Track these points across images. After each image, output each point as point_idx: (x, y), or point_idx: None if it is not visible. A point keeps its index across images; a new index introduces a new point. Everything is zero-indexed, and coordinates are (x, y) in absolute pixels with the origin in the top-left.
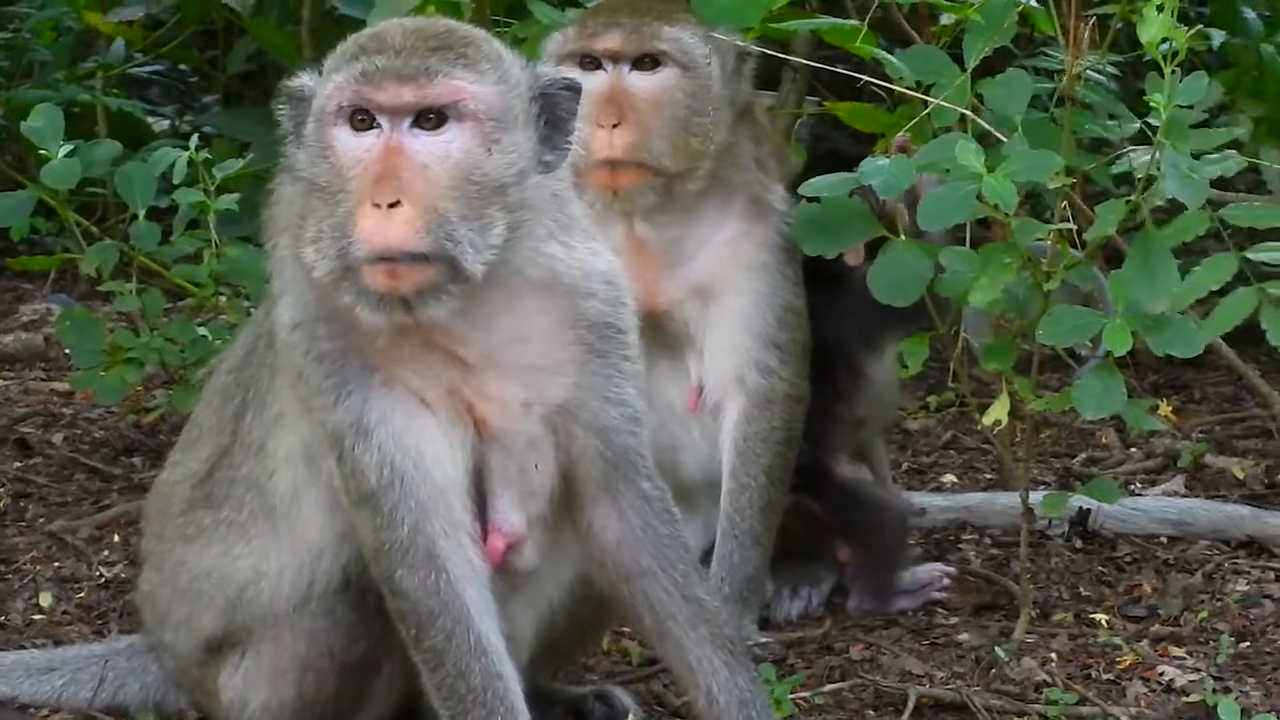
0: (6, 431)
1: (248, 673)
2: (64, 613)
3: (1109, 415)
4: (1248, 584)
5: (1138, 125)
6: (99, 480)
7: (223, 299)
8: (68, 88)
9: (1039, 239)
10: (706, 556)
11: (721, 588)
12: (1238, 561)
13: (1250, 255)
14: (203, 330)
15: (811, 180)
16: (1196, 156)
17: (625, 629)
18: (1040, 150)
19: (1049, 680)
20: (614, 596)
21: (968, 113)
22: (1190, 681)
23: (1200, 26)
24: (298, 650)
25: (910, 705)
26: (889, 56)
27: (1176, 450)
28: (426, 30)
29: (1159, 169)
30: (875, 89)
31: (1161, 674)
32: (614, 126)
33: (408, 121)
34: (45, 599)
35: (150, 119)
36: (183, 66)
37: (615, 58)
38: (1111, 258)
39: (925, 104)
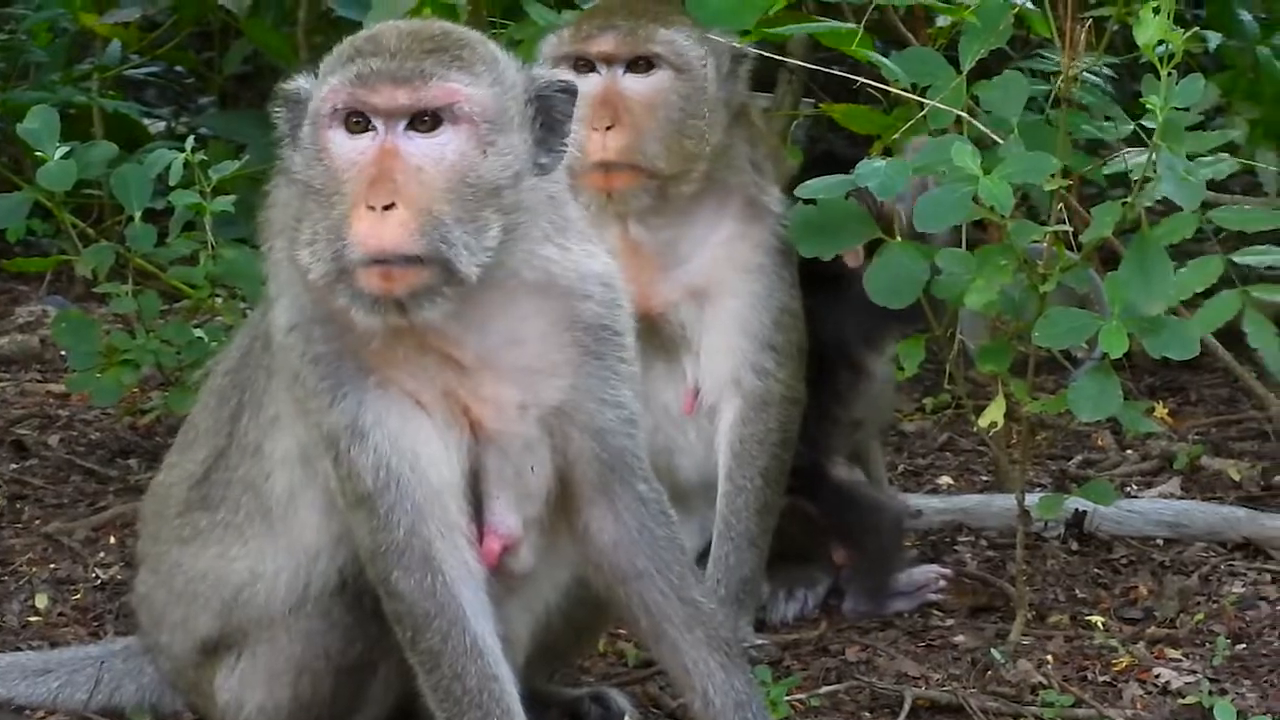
0: (2, 433)
1: (244, 674)
2: (60, 614)
3: (1105, 417)
4: (1244, 586)
5: (1133, 127)
6: (95, 482)
7: (219, 301)
8: (64, 89)
9: (1035, 241)
10: (702, 558)
11: (717, 589)
12: (1234, 563)
13: (1236, 259)
14: (199, 332)
15: (807, 182)
16: (1192, 159)
17: (621, 631)
18: (1036, 152)
19: (1045, 682)
20: (610, 598)
21: (964, 114)
22: (1186, 683)
23: (1196, 29)
24: (294, 652)
25: (906, 707)
26: (883, 60)
27: (1172, 452)
28: (422, 33)
29: (1154, 171)
30: (871, 91)
31: (1157, 676)
32: (608, 129)
33: (403, 124)
34: (41, 601)
35: (146, 121)
36: (179, 68)
37: (609, 60)
38: (1108, 260)
39: (921, 106)
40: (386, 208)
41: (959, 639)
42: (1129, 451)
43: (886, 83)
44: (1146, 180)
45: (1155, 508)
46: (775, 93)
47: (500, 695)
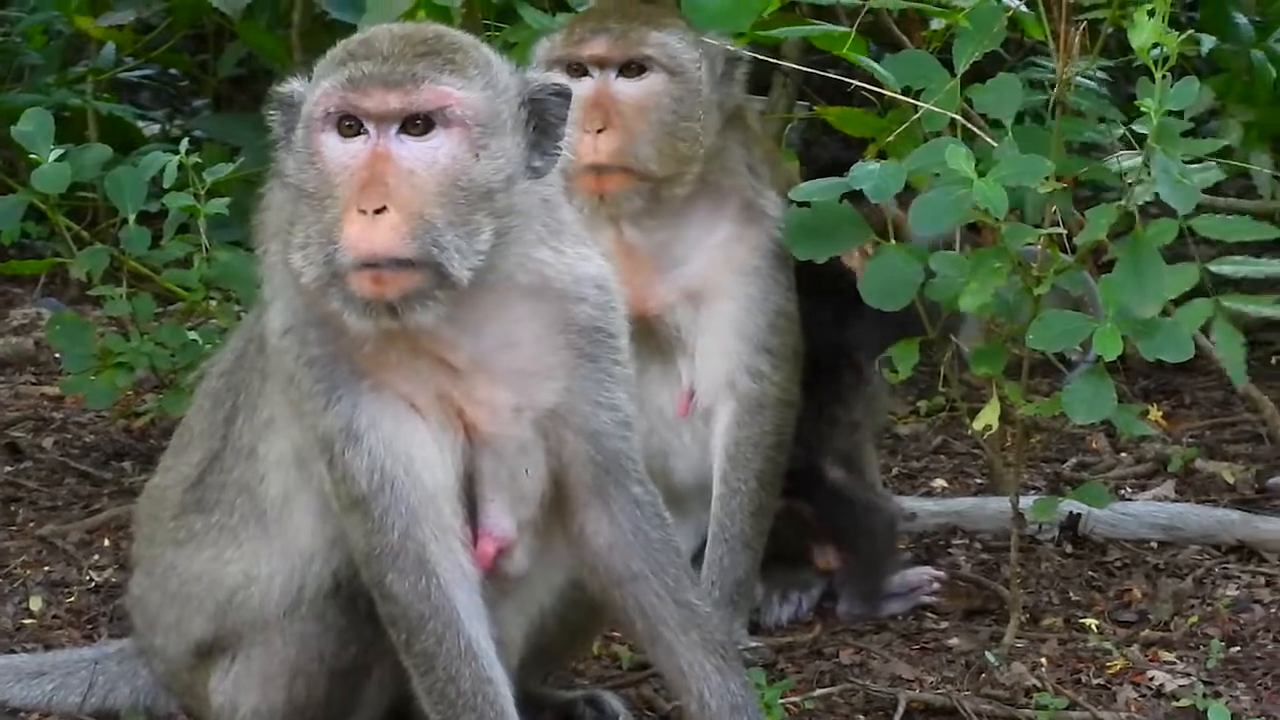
0: None
1: (238, 677)
2: (54, 617)
3: (1099, 420)
4: (1238, 589)
5: (1123, 131)
6: (89, 485)
7: (213, 303)
8: (58, 92)
9: (1029, 243)
10: (696, 560)
11: (712, 592)
12: (1228, 566)
13: (1213, 268)
14: (193, 335)
15: (802, 184)
16: (1187, 163)
17: (615, 633)
18: (1030, 155)
19: (1039, 685)
20: (605, 601)
21: (957, 117)
22: (1180, 686)
23: (1191, 31)
24: (288, 655)
25: (900, 710)
26: (875, 65)
27: (1167, 455)
28: (415, 36)
29: (1148, 173)
30: (866, 94)
31: (1152, 679)
32: (599, 132)
33: (395, 127)
34: (35, 603)
35: (141, 123)
36: (173, 71)
37: (601, 64)
38: (1105, 265)
39: (915, 109)
40: (378, 211)
41: (953, 641)
42: (1123, 454)
43: (881, 86)
44: (1139, 183)
45: (1149, 510)
46: (770, 96)
47: (494, 698)
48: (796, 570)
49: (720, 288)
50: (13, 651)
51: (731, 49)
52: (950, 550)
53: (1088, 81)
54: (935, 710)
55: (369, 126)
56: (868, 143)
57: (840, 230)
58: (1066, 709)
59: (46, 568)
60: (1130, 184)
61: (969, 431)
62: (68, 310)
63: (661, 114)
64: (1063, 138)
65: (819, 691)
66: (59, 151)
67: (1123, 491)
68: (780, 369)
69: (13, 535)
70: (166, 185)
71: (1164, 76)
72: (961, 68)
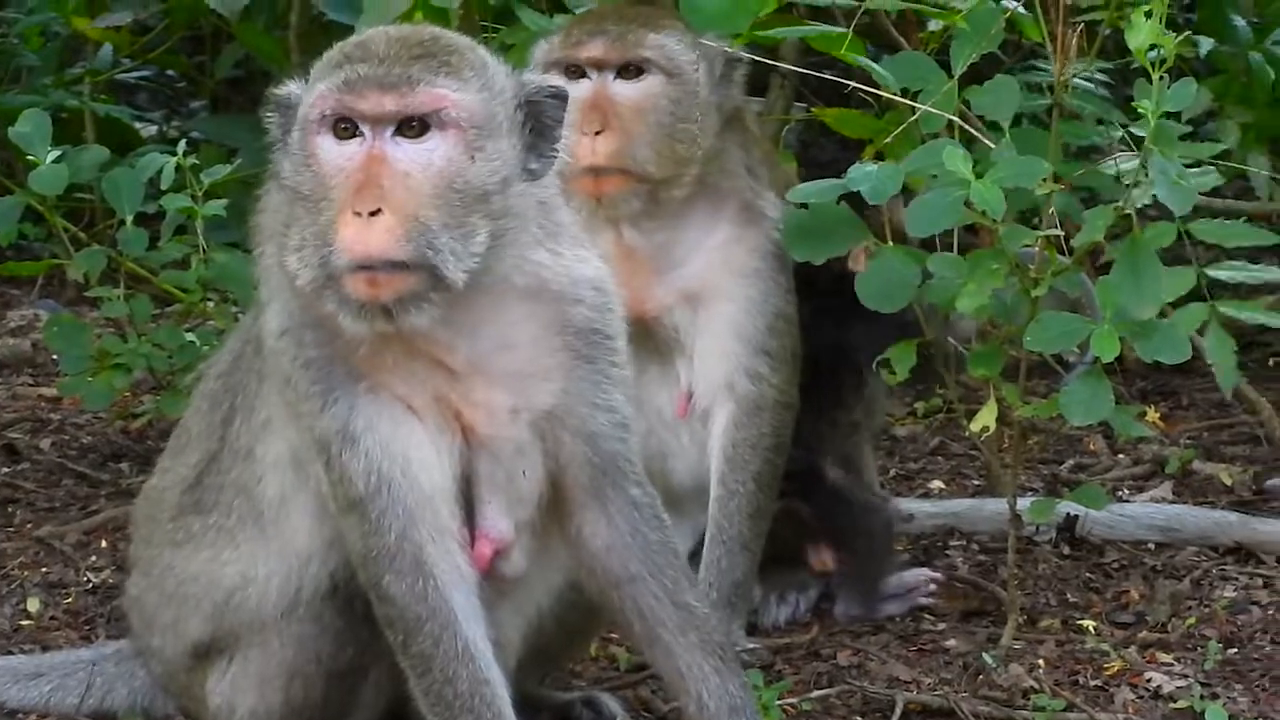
0: None
1: (235, 678)
2: (51, 618)
3: (1097, 421)
4: (1235, 590)
5: (1121, 133)
6: (87, 486)
7: (210, 304)
8: (55, 93)
9: (1027, 245)
10: (694, 561)
11: (709, 593)
12: (1225, 568)
13: (1210, 272)
14: (190, 336)
15: (800, 186)
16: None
17: (613, 635)
18: (1027, 156)
19: (1036, 686)
20: (603, 603)
21: (955, 119)
22: (1178, 688)
23: (1188, 33)
24: (285, 656)
25: (898, 711)
26: (873, 66)
27: (1164, 456)
28: (410, 38)
29: (1145, 175)
30: (863, 95)
31: (1149, 680)
32: (597, 134)
33: (390, 130)
34: (33, 604)
35: (138, 124)
36: (170, 72)
37: (599, 66)
38: (1102, 267)
39: (913, 110)
40: (373, 214)
41: (950, 643)
42: (1121, 456)
43: (879, 87)
44: (1137, 185)
45: (1147, 512)
46: (767, 97)
47: (492, 699)
48: (794, 571)
49: (719, 289)
50: (10, 653)
51: (729, 50)
52: (948, 552)
53: (1086, 84)
54: (932, 711)
55: (364, 129)
56: (865, 144)
57: (838, 232)
58: (1064, 710)
59: (44, 569)
60: (1128, 186)
61: (966, 433)
62: (65, 311)
63: (660, 116)
64: (1060, 140)
65: (816, 693)
66: (56, 153)
67: (1120, 493)
68: (779, 371)
69: (10, 536)
70: (164, 187)
71: (1161, 78)
72: (959, 69)
